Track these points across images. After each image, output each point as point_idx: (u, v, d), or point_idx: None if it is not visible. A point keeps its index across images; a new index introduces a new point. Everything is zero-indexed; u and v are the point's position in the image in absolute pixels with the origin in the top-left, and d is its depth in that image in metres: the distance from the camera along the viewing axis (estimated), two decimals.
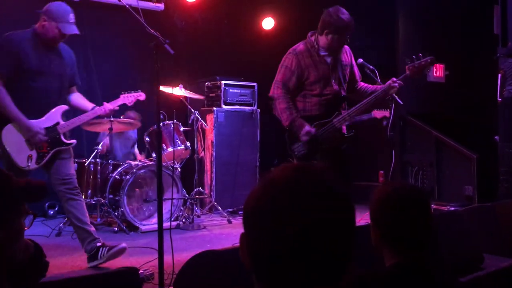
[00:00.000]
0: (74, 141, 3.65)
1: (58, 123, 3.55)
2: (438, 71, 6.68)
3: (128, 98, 3.91)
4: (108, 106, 3.69)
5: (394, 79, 3.59)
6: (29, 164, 3.42)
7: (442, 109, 6.61)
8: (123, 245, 3.50)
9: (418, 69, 3.56)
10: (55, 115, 3.55)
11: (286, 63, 3.66)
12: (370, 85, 3.81)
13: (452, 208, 5.35)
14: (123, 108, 5.81)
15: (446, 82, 6.77)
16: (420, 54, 3.56)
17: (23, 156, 3.43)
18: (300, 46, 3.70)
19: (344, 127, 3.69)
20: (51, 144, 3.52)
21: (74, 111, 3.85)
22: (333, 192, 0.91)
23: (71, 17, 3.49)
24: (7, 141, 3.41)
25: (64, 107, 3.62)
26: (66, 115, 3.71)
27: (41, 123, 3.49)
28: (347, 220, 0.91)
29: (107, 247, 3.47)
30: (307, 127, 3.53)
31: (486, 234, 3.61)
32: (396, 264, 1.53)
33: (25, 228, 1.25)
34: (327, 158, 3.59)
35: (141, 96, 4.00)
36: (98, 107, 3.68)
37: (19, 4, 5.70)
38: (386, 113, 5.28)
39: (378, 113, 5.40)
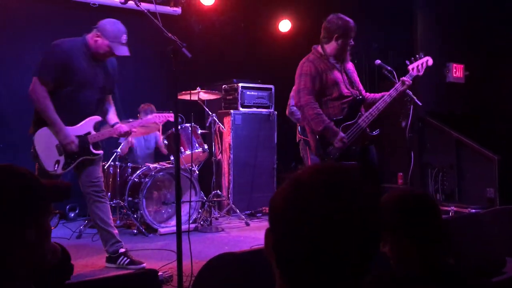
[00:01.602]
0: (101, 152, 3.72)
1: (89, 133, 3.62)
2: (457, 72, 6.60)
3: (159, 118, 3.99)
4: (125, 127, 3.75)
5: (403, 78, 3.69)
6: (56, 169, 3.49)
7: (462, 110, 6.52)
8: (143, 265, 3.58)
9: (418, 68, 3.71)
10: (88, 124, 3.62)
11: (305, 71, 3.71)
12: (376, 94, 3.88)
13: (473, 210, 5.27)
14: (140, 102, 5.89)
15: (466, 82, 6.68)
16: (417, 56, 3.75)
17: (51, 160, 3.51)
18: (310, 55, 3.81)
19: (367, 127, 3.73)
20: (79, 153, 3.58)
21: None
22: (361, 193, 0.90)
23: (124, 38, 3.55)
24: (39, 144, 3.50)
25: (98, 118, 3.69)
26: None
27: (75, 131, 3.56)
28: (374, 220, 0.90)
29: (129, 259, 3.56)
30: (341, 134, 3.61)
31: (509, 237, 3.54)
32: (423, 265, 1.51)
33: (52, 228, 1.28)
34: (357, 159, 3.66)
35: (171, 117, 4.04)
36: (118, 125, 3.74)
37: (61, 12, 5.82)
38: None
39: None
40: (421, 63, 3.72)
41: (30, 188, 1.20)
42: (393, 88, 3.67)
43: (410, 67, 3.72)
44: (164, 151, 5.93)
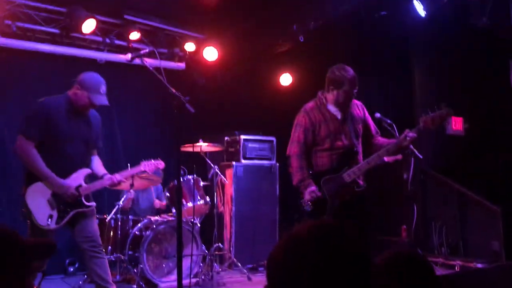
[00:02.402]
0: (93, 203, 3.75)
1: (80, 185, 3.65)
2: (457, 124, 6.67)
3: (148, 166, 4.08)
4: (117, 177, 3.81)
5: (407, 130, 3.59)
6: (49, 223, 3.49)
7: (463, 162, 6.54)
8: None
9: (432, 121, 3.53)
10: (78, 177, 3.66)
11: (299, 122, 3.77)
12: (386, 140, 3.82)
13: (479, 265, 5.17)
14: (143, 155, 5.92)
15: (465, 135, 6.73)
16: (436, 107, 3.58)
17: (44, 215, 3.52)
18: (310, 104, 3.83)
19: (359, 181, 3.68)
20: (72, 205, 3.61)
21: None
22: (352, 253, 0.97)
23: (103, 88, 3.68)
24: (30, 200, 3.52)
25: (88, 170, 3.75)
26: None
27: (67, 183, 3.60)
28: (360, 273, 0.97)
29: None
30: (311, 188, 3.58)
31: None
32: None
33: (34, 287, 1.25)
34: (339, 214, 3.56)
35: (161, 164, 4.18)
36: (108, 176, 3.80)
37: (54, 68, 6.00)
38: (398, 157, 5.21)
39: (389, 158, 5.33)
40: (438, 116, 3.50)
41: (9, 247, 1.19)
42: (394, 142, 3.58)
43: (421, 119, 3.56)
44: (157, 204, 5.91)
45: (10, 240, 1.21)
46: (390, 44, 6.51)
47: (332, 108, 3.74)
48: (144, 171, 4.10)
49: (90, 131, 3.77)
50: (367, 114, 3.92)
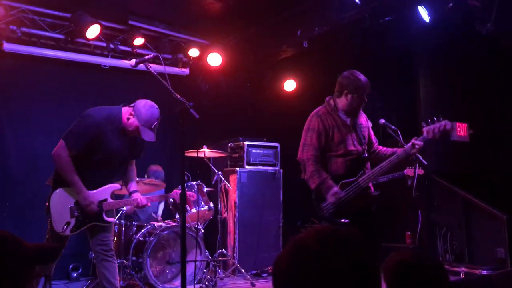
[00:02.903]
0: (113, 219, 3.74)
1: (105, 200, 3.64)
2: (461, 130, 6.64)
3: (174, 195, 4.24)
4: (144, 201, 3.78)
5: (416, 138, 3.61)
6: (64, 230, 3.47)
7: (468, 168, 6.50)
8: None
9: (434, 132, 3.58)
10: (106, 191, 3.65)
11: (312, 126, 3.73)
12: (389, 148, 3.86)
13: (484, 272, 5.13)
14: (147, 165, 5.93)
15: (470, 141, 6.70)
16: (435, 118, 3.61)
17: (62, 221, 3.50)
18: (321, 109, 3.81)
19: (371, 186, 3.68)
20: (91, 218, 3.59)
21: None
22: (359, 262, 0.97)
23: (156, 124, 3.60)
24: (53, 204, 3.52)
25: (117, 186, 3.73)
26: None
27: (92, 196, 3.59)
28: (370, 285, 0.97)
29: None
30: (335, 189, 3.56)
31: None
32: None
33: None
34: (356, 219, 3.55)
35: (193, 197, 4.62)
36: (134, 198, 3.76)
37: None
38: (419, 171, 5.19)
39: (409, 171, 5.34)
40: (438, 127, 3.59)
41: (10, 253, 1.19)
42: (403, 150, 3.61)
43: (425, 129, 3.63)
44: (159, 218, 5.87)
45: (10, 245, 1.20)
46: (394, 50, 6.50)
47: (342, 114, 3.75)
48: (173, 200, 4.12)
49: (135, 148, 3.75)
50: (370, 123, 3.95)
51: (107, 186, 3.64)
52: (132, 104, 3.62)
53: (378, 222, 3.86)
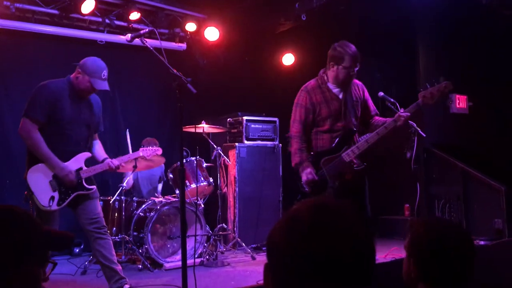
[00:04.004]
0: (94, 187, 3.78)
1: (81, 168, 3.69)
2: (461, 103, 6.63)
3: (146, 151, 4.16)
4: (115, 162, 3.86)
5: (402, 110, 3.58)
6: (51, 204, 3.51)
7: (467, 141, 6.51)
8: None
9: (431, 95, 3.53)
10: (79, 160, 3.70)
11: (300, 101, 3.74)
12: (382, 118, 3.82)
13: (482, 242, 5.19)
14: (144, 136, 5.92)
15: (470, 113, 6.69)
16: (434, 80, 3.56)
17: (45, 196, 3.55)
18: (311, 82, 3.79)
19: (355, 161, 3.65)
20: (73, 188, 3.64)
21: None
22: (353, 232, 0.97)
23: (104, 73, 3.68)
24: (32, 181, 3.55)
25: (88, 154, 3.79)
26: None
27: (68, 167, 3.62)
28: (367, 257, 0.97)
29: None
30: (308, 169, 3.60)
31: None
32: None
33: (45, 277, 1.23)
34: (340, 194, 3.58)
35: (159, 151, 4.25)
36: (107, 161, 3.83)
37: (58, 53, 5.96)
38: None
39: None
40: (437, 88, 3.49)
41: (34, 233, 1.18)
42: (391, 120, 3.56)
43: (421, 94, 3.55)
44: (159, 196, 5.86)
45: (35, 226, 1.20)
46: (394, 23, 6.42)
47: (333, 87, 3.71)
48: (143, 157, 4.16)
49: (92, 115, 3.79)
50: (367, 94, 3.90)
51: (78, 155, 3.69)
52: (76, 64, 3.71)
53: (366, 195, 3.80)
